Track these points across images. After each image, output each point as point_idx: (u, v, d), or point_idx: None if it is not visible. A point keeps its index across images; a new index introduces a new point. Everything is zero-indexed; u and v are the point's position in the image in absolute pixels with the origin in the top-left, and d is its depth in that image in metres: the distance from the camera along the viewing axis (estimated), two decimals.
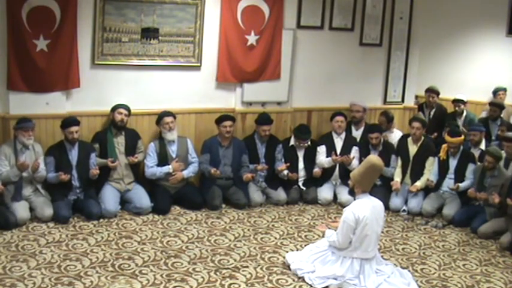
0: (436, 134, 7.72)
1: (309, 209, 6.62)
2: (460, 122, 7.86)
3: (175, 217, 6.09)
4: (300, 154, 6.89)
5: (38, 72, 5.91)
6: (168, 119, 6.33)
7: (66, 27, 5.91)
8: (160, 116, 6.36)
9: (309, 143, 6.84)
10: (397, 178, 6.77)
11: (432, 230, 6.17)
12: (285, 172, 6.70)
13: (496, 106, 7.74)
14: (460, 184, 6.39)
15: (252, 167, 6.65)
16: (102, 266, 4.84)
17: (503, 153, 6.31)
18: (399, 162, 6.83)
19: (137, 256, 5.08)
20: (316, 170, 6.87)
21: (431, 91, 8.04)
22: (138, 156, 6.26)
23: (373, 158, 4.90)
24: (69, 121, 5.89)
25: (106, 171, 6.11)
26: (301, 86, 7.30)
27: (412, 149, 6.79)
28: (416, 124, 6.75)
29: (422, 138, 6.79)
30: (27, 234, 5.39)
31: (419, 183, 6.65)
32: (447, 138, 6.58)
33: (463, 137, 6.65)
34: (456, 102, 7.90)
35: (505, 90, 8.30)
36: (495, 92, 8.32)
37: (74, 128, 5.87)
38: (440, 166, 6.62)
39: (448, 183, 6.53)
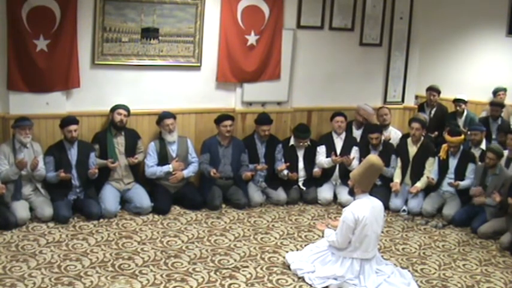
0: (436, 132, 7.72)
1: (309, 209, 6.62)
2: (460, 121, 7.86)
3: (175, 217, 6.09)
4: (300, 154, 6.88)
5: (38, 72, 5.91)
6: (169, 121, 6.32)
7: (66, 27, 5.91)
8: (161, 117, 6.36)
9: (309, 142, 6.84)
10: (397, 179, 6.75)
11: (432, 230, 6.17)
12: (285, 172, 6.69)
13: (497, 106, 7.75)
14: (461, 182, 6.39)
15: (252, 167, 6.65)
16: (102, 266, 4.84)
17: (505, 152, 6.31)
18: (399, 163, 6.83)
19: (137, 256, 5.08)
20: (316, 170, 6.87)
21: (433, 89, 8.05)
22: (138, 157, 6.27)
23: (373, 158, 4.90)
24: (67, 120, 5.90)
25: (106, 172, 6.11)
26: (301, 86, 7.30)
27: (412, 149, 6.78)
28: (415, 125, 6.74)
29: (422, 138, 6.79)
30: (27, 234, 5.39)
31: (419, 184, 6.64)
32: (447, 137, 6.58)
33: (463, 136, 6.65)
34: (457, 102, 7.90)
35: (505, 90, 8.30)
36: (495, 92, 8.32)
37: (73, 127, 5.87)
38: (440, 166, 6.62)
39: (448, 182, 6.54)
